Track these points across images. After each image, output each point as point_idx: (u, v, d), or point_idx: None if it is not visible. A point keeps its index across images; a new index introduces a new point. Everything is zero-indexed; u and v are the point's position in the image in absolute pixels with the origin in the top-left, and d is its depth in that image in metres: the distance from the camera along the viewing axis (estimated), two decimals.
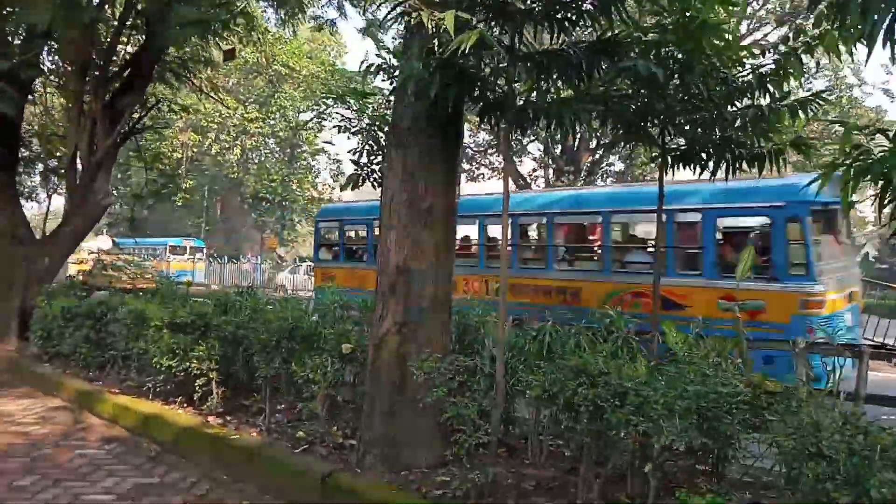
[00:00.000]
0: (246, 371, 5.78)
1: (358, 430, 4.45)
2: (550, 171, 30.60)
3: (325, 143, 36.44)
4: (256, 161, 39.60)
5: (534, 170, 34.27)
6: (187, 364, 5.54)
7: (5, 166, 9.65)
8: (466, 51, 3.37)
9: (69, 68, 10.17)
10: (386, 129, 6.54)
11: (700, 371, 3.28)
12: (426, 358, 3.92)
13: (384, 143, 6.80)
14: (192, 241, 36.47)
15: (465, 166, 35.18)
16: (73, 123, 10.10)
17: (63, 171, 11.06)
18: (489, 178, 36.12)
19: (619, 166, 33.01)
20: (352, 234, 13.75)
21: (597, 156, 30.47)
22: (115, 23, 10.03)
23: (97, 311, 7.38)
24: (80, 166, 10.08)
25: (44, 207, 27.33)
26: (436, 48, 3.99)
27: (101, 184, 10.00)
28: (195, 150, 35.10)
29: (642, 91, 4.43)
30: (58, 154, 11.69)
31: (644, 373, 3.34)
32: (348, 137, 6.79)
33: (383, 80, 5.45)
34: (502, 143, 4.43)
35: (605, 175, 31.62)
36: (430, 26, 3.33)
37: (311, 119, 39.73)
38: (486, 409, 3.80)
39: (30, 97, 10.86)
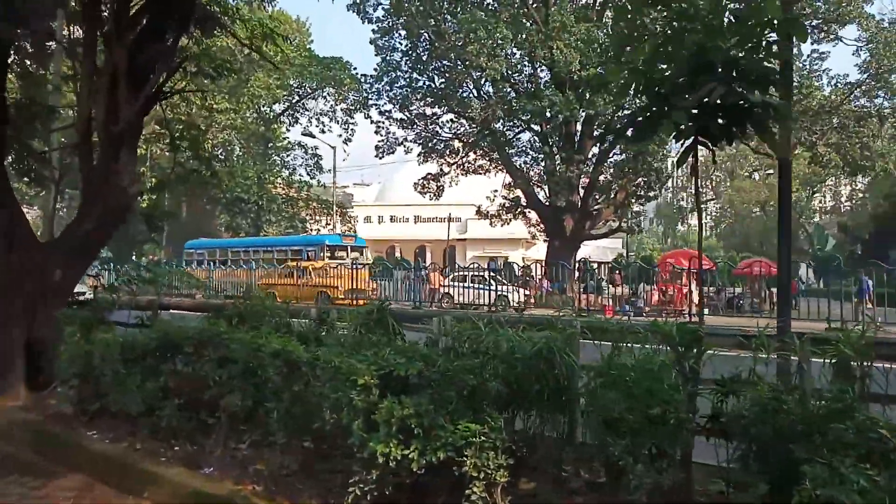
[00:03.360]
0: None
1: None
2: (554, 160, 28.53)
3: (305, 134, 33.21)
4: (223, 157, 36.13)
5: (532, 159, 32.14)
6: (440, 455, 3.05)
7: None
8: None
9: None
10: None
11: None
12: None
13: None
14: (353, 240, 28.23)
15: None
16: (84, 83, 7.30)
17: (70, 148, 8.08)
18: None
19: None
20: None
21: (605, 144, 28.66)
22: None
23: (185, 349, 4.75)
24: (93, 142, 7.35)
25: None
26: None
27: (126, 164, 7.20)
28: (159, 145, 31.43)
29: None
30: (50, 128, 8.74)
31: None
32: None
33: None
34: None
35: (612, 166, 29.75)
36: None
37: (286, 110, 36.58)
38: None
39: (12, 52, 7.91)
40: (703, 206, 76.09)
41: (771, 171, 63.52)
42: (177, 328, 4.93)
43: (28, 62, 10.10)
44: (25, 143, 8.76)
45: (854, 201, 63.12)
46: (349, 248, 27.19)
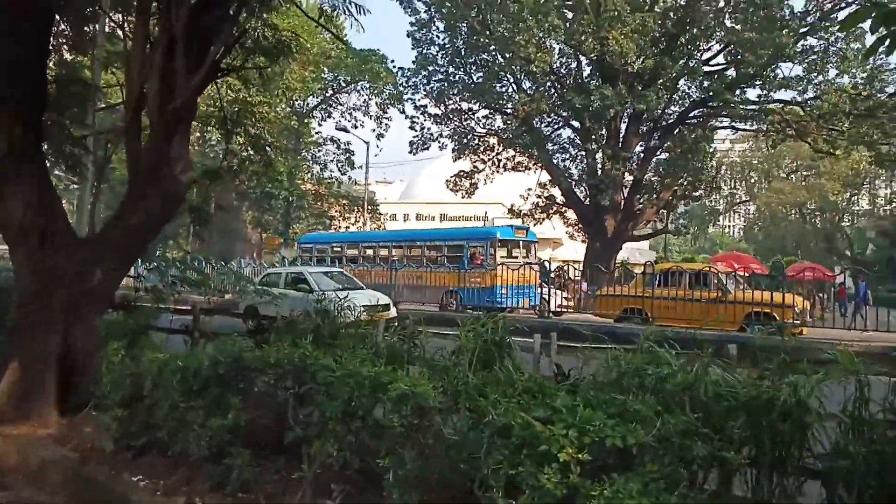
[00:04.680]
0: None
1: None
2: (598, 157, 27.33)
3: (339, 129, 32.10)
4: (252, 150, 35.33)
5: (570, 157, 30.95)
6: None
7: (24, 124, 5.83)
8: None
9: None
10: None
11: None
12: None
13: None
14: (525, 233, 22.10)
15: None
16: (135, 52, 6.33)
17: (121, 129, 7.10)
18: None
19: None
20: None
21: (652, 142, 27.34)
22: None
23: (263, 379, 3.73)
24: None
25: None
26: None
27: (180, 149, 6.26)
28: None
29: None
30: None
31: None
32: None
33: None
34: None
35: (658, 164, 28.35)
36: None
37: (319, 104, 35.65)
38: None
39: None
40: (736, 208, 73.76)
41: (809, 173, 61.35)
42: (252, 351, 3.90)
43: (68, 36, 9.24)
44: (65, 126, 7.85)
45: (894, 204, 60.70)
46: (521, 243, 21.61)
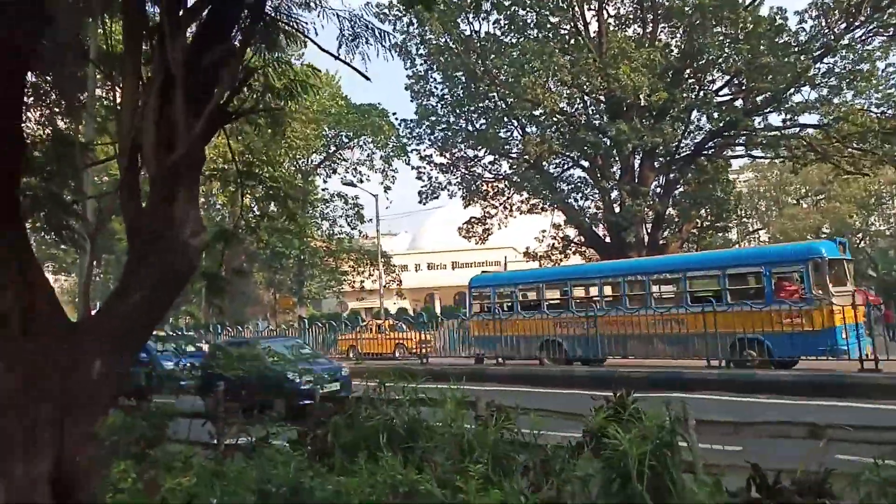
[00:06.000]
0: None
1: None
2: (614, 194, 26.55)
3: (346, 184, 31.36)
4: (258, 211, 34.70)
5: (583, 196, 30.16)
6: None
7: None
8: None
9: None
10: None
11: None
12: None
13: None
14: (844, 249, 15.54)
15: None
16: (126, 97, 5.40)
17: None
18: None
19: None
20: None
21: (671, 175, 26.49)
22: None
23: None
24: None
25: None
26: None
27: (186, 208, 5.22)
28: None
29: None
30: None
31: None
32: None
33: None
34: None
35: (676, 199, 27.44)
36: None
37: (323, 161, 35.18)
38: None
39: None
40: (750, 236, 72.72)
41: (820, 196, 60.43)
42: (311, 469, 2.75)
43: (60, 103, 8.43)
44: (54, 193, 6.90)
45: None
46: (844, 263, 15.14)
